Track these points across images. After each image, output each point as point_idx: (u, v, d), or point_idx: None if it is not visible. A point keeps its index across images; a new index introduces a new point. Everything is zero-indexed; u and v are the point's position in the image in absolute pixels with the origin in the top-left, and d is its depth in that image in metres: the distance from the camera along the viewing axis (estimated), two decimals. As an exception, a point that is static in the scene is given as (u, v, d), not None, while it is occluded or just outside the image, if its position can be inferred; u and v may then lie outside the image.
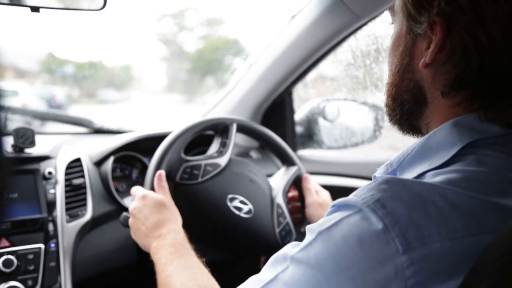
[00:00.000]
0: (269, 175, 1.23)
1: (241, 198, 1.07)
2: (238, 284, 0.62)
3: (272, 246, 1.03)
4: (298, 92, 1.74)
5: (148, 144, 1.28)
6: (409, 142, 0.64)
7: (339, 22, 1.28)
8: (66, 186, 1.12)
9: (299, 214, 1.18)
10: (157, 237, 0.89)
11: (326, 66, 1.71)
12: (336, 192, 1.15)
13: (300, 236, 1.10)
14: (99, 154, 1.26)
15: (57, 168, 1.13)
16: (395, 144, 1.68)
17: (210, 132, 1.15)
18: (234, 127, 1.13)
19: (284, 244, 0.78)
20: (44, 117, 1.64)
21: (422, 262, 0.46)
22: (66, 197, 1.11)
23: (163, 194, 0.97)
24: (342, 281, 0.49)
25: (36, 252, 1.00)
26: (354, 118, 1.68)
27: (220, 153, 1.10)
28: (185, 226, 0.93)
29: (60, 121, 1.56)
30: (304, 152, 1.72)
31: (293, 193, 1.21)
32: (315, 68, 1.50)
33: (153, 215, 0.92)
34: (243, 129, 1.17)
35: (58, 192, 1.09)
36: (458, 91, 0.57)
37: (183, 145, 1.06)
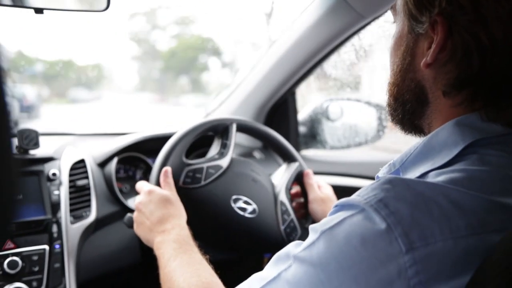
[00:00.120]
0: (272, 174, 1.24)
1: (245, 198, 1.07)
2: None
3: (278, 244, 1.03)
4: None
5: (152, 145, 1.29)
6: (401, 144, 0.64)
7: (343, 21, 1.28)
8: (70, 187, 1.12)
9: (303, 210, 1.18)
10: (162, 232, 0.89)
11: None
12: (340, 192, 1.15)
13: (305, 232, 1.10)
14: (103, 155, 1.26)
15: (61, 170, 1.13)
16: (391, 146, 1.68)
17: (211, 133, 1.15)
18: (234, 127, 1.13)
19: (289, 241, 0.78)
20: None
21: (424, 261, 0.46)
22: (70, 198, 1.11)
23: (169, 190, 0.97)
24: (345, 280, 0.49)
25: (41, 254, 1.01)
26: (357, 117, 1.68)
27: (221, 154, 1.10)
28: (191, 228, 0.93)
29: None
30: (308, 152, 1.72)
31: (295, 189, 1.22)
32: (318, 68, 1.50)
33: (158, 210, 0.93)
34: (243, 128, 1.17)
35: (62, 193, 1.10)
36: (459, 90, 0.57)
37: (184, 149, 1.06)
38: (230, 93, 1.63)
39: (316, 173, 1.32)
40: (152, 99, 13.05)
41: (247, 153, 1.56)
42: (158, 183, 1.00)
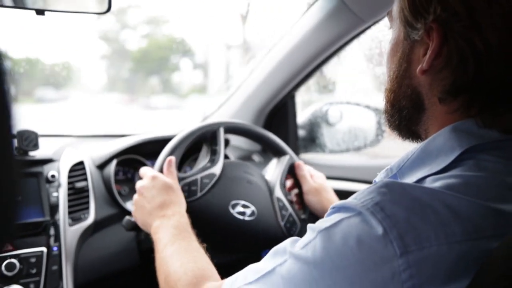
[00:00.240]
0: (263, 170, 1.23)
1: (243, 202, 1.06)
2: None
3: (280, 240, 1.02)
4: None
5: (151, 147, 1.29)
6: (392, 151, 0.64)
7: (343, 25, 1.28)
8: (69, 189, 1.12)
9: (300, 202, 1.19)
10: (161, 216, 0.91)
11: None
12: (338, 195, 1.15)
13: (304, 225, 1.10)
14: (102, 157, 1.26)
15: (60, 171, 1.13)
16: (381, 152, 1.68)
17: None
18: (221, 131, 1.13)
19: (290, 235, 0.78)
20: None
21: (418, 265, 0.46)
22: (69, 200, 1.11)
23: (172, 179, 0.99)
24: (338, 279, 0.49)
25: (39, 256, 1.01)
26: (356, 121, 1.68)
27: (212, 161, 1.09)
28: None
29: None
30: (307, 156, 1.72)
31: (290, 182, 1.22)
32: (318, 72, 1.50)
33: (160, 195, 0.94)
34: (230, 130, 1.17)
35: (61, 195, 1.10)
36: (455, 97, 0.57)
37: (176, 162, 1.05)
38: (229, 96, 1.63)
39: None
40: (121, 100, 12.84)
41: (246, 156, 1.56)
42: (161, 170, 1.01)
